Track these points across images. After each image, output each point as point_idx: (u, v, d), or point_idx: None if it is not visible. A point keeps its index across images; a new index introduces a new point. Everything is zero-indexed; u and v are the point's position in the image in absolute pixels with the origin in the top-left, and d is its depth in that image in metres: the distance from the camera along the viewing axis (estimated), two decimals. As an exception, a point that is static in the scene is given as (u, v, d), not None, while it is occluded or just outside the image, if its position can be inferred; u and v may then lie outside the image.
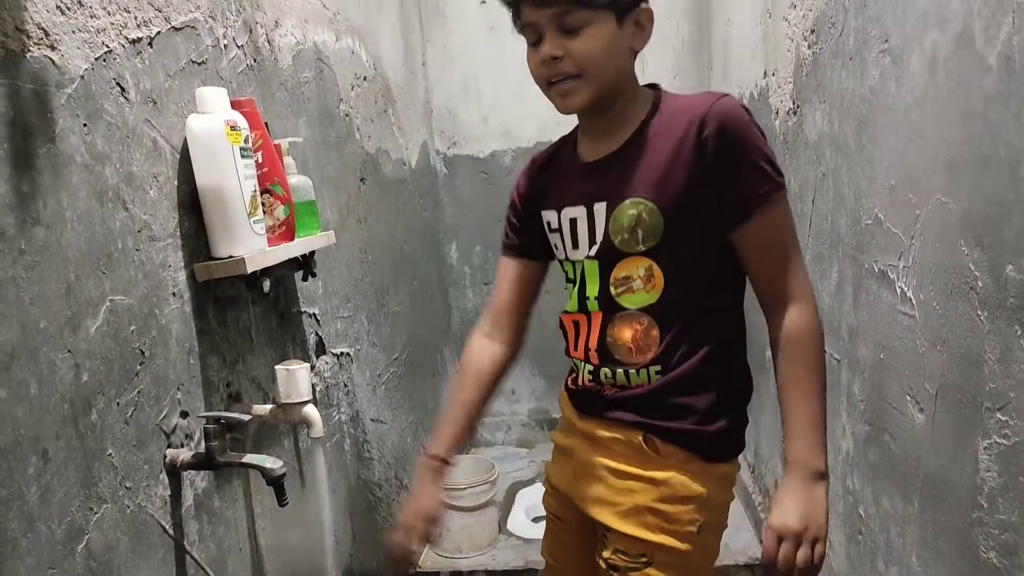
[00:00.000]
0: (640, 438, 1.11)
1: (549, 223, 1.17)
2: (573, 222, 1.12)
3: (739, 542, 2.18)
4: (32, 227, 0.80)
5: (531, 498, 2.66)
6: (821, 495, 1.01)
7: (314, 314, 1.59)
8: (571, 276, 1.18)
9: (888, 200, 1.12)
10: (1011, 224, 0.79)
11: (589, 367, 1.15)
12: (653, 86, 1.12)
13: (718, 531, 1.17)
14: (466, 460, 2.52)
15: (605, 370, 1.12)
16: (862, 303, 1.25)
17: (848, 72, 1.26)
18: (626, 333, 1.10)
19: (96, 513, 0.87)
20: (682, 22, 2.85)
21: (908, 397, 1.07)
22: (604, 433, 1.15)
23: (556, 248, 1.19)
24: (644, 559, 1.12)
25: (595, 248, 1.10)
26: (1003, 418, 0.82)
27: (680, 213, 1.03)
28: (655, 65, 2.79)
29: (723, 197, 1.01)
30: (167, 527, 1.01)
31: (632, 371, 1.10)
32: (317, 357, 1.61)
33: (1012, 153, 0.79)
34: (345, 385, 1.75)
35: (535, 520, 2.52)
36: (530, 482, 2.78)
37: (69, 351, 0.85)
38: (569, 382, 1.24)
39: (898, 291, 1.09)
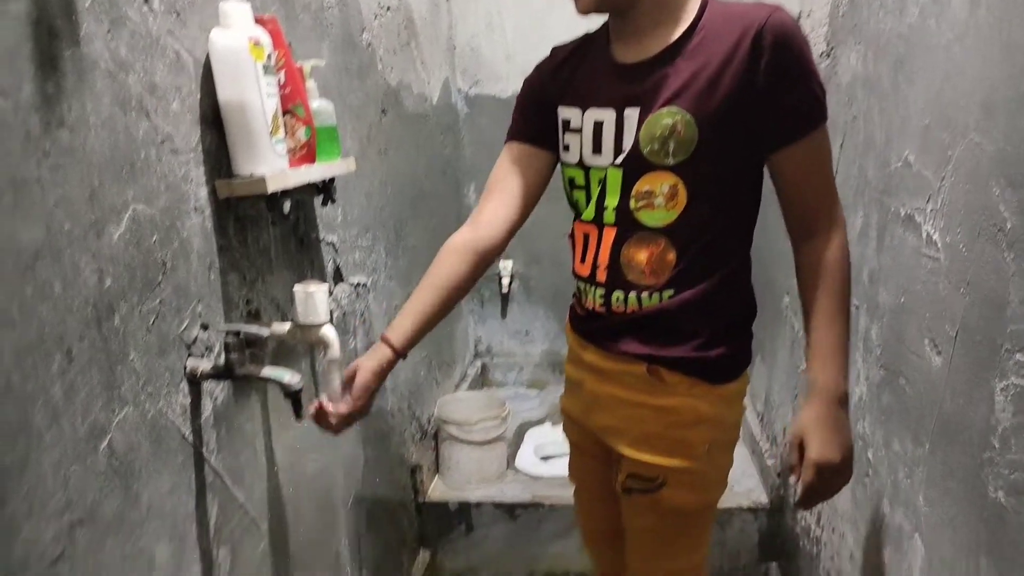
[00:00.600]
0: (645, 369, 1.11)
1: (567, 121, 1.13)
2: (598, 125, 1.09)
3: (744, 486, 2.21)
4: (56, 129, 0.80)
5: (540, 437, 2.70)
6: (847, 420, 1.04)
7: (332, 242, 1.60)
8: (580, 183, 1.15)
9: (920, 141, 1.09)
10: (1046, 162, 0.77)
11: (600, 290, 1.14)
12: None
13: (730, 446, 1.19)
14: (478, 396, 2.55)
15: (617, 294, 1.12)
16: (886, 248, 1.24)
17: (886, 11, 1.22)
18: (641, 255, 1.08)
19: (118, 414, 0.89)
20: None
21: (927, 340, 1.06)
22: (610, 365, 1.16)
23: (567, 150, 1.14)
24: (658, 481, 1.14)
25: (621, 156, 1.07)
26: (1022, 359, 0.82)
27: (717, 127, 1.00)
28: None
29: (772, 116, 0.99)
30: (186, 434, 1.04)
31: (644, 295, 1.10)
32: (335, 285, 1.62)
33: (1054, 88, 0.76)
34: (361, 314, 1.77)
35: (544, 458, 2.57)
36: (539, 422, 2.82)
37: (92, 255, 0.86)
38: (576, 308, 1.24)
39: (924, 234, 1.07)
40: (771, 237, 1.22)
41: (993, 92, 0.89)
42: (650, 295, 1.10)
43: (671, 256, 1.08)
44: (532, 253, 3.03)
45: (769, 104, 0.98)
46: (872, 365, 1.30)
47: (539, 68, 1.21)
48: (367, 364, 1.12)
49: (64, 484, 0.80)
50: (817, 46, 1.65)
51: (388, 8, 2.04)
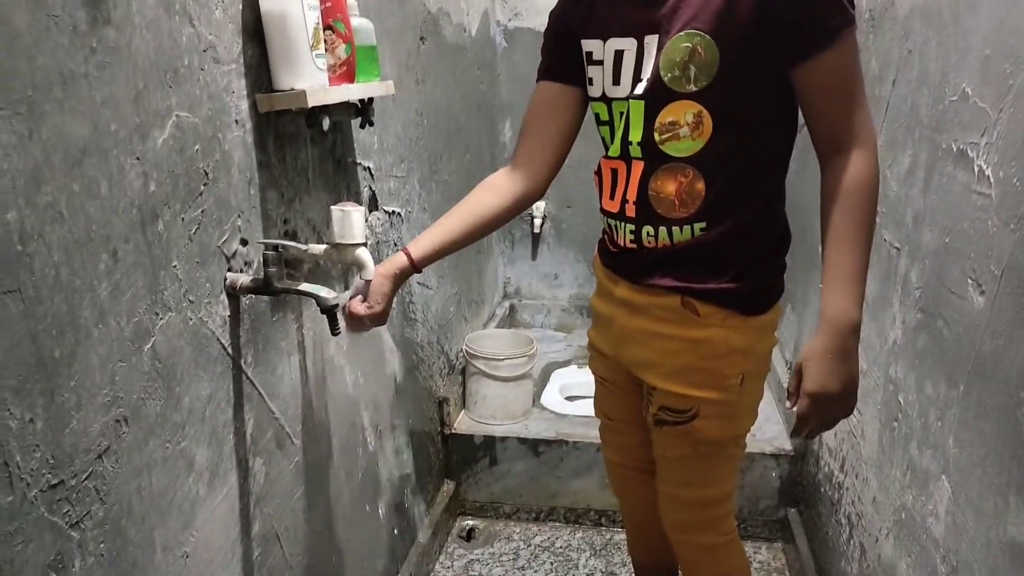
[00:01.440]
0: (679, 301, 1.11)
1: (590, 53, 1.11)
2: (619, 55, 1.07)
3: (767, 432, 2.21)
4: (103, 27, 0.80)
5: (566, 377, 2.73)
6: (855, 350, 1.02)
7: (368, 168, 1.60)
8: (604, 118, 1.13)
9: (979, 72, 1.05)
10: (1118, 86, 0.74)
11: (629, 226, 1.13)
12: None
13: (761, 376, 1.20)
14: (506, 334, 2.57)
15: (647, 228, 1.11)
16: (933, 187, 1.20)
17: (953, -65, 1.16)
18: (670, 186, 1.07)
19: (161, 319, 0.91)
20: None
21: (969, 280, 1.04)
22: (643, 299, 1.15)
23: (591, 83, 1.12)
24: (691, 412, 1.15)
25: (641, 86, 1.05)
26: (1073, 293, 0.80)
27: (739, 46, 0.98)
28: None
29: (792, 27, 0.96)
30: (226, 345, 1.06)
31: (676, 228, 1.08)
32: (370, 211, 1.62)
33: None
34: (395, 244, 1.78)
35: (568, 399, 2.59)
36: (566, 364, 2.84)
37: (138, 158, 0.86)
38: (608, 244, 1.23)
39: (975, 169, 1.04)
40: (809, 177, 1.19)
41: (1064, 17, 0.85)
42: (681, 228, 1.09)
43: (700, 186, 1.06)
44: (564, 196, 3.00)
45: (789, 14, 0.95)
46: (909, 309, 1.28)
47: (562, 1, 1.18)
48: (381, 269, 1.16)
49: (111, 380, 0.83)
50: (874, -21, 1.59)
51: (429, -68, 2.00)
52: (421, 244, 1.19)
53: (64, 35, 0.75)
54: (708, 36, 0.99)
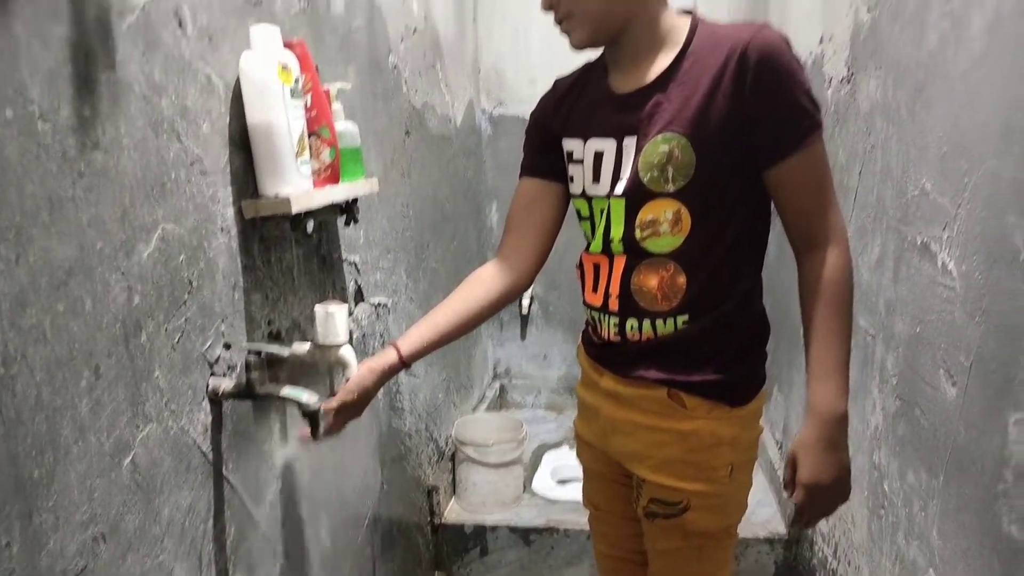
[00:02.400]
0: (665, 393, 1.12)
1: (571, 153, 1.15)
2: (599, 155, 1.11)
3: (761, 516, 2.19)
4: (92, 151, 0.83)
5: (557, 460, 2.70)
6: (843, 440, 1.03)
7: (354, 262, 1.63)
8: (585, 214, 1.17)
9: (937, 169, 1.10)
10: (1062, 193, 0.78)
11: (613, 319, 1.15)
12: (689, 12, 1.09)
13: (749, 466, 1.20)
14: (495, 418, 2.56)
15: (631, 321, 1.13)
16: (902, 277, 1.24)
17: (907, 37, 1.23)
18: (652, 281, 1.10)
19: (142, 431, 0.92)
20: (739, -16, 2.79)
21: (941, 370, 1.06)
22: (629, 391, 1.17)
23: (572, 181, 1.16)
24: (681, 505, 1.14)
25: (621, 185, 1.08)
26: (1038, 390, 0.81)
27: (714, 149, 1.02)
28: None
29: (762, 133, 1.00)
30: (206, 452, 1.06)
31: (659, 320, 1.10)
32: (355, 305, 1.64)
33: (1069, 120, 0.77)
34: (381, 335, 1.79)
35: (560, 482, 2.56)
36: (557, 445, 2.82)
37: (122, 273, 0.88)
38: (592, 336, 1.25)
39: (939, 263, 1.07)
40: (787, 263, 1.22)
41: (1011, 119, 0.89)
42: (664, 321, 1.11)
43: (681, 280, 1.09)
44: (552, 278, 3.04)
45: (760, 121, 0.99)
46: (888, 395, 1.29)
47: (543, 101, 1.23)
48: (370, 362, 1.15)
49: (89, 498, 0.83)
50: (838, 71, 1.66)
51: (415, 30, 2.09)
52: (410, 340, 1.19)
53: (53, 162, 0.78)
54: (684, 139, 1.03)
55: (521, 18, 2.86)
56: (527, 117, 1.27)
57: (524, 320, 3.15)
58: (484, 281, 1.24)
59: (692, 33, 1.05)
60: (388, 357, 1.17)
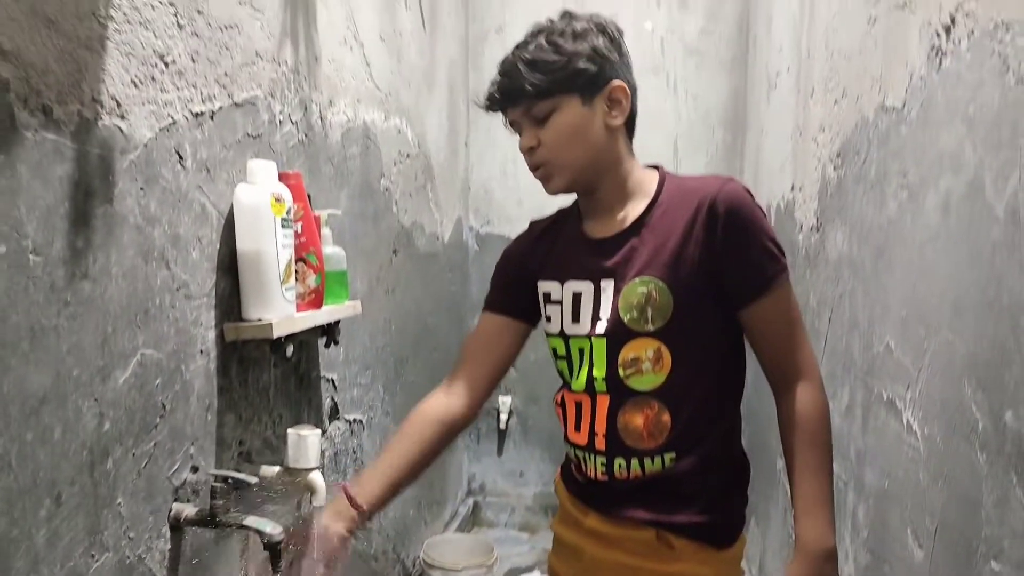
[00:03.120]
0: (654, 535, 1.11)
1: (548, 294, 1.18)
2: (577, 296, 1.14)
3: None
4: (80, 281, 0.86)
5: (528, 585, 2.61)
6: (834, 573, 1.02)
7: (332, 379, 1.63)
8: (562, 353, 1.19)
9: (899, 329, 1.14)
10: (1011, 372, 0.81)
11: (600, 458, 1.15)
12: (655, 167, 1.16)
13: None
14: (466, 539, 2.49)
15: (619, 460, 1.13)
16: (870, 428, 1.26)
17: (869, 200, 1.30)
18: (637, 419, 1.11)
19: (97, 561, 0.90)
20: (718, 128, 2.94)
21: (909, 529, 1.06)
22: (616, 531, 1.15)
23: (549, 320, 1.18)
24: None
25: (602, 325, 1.11)
26: (996, 567, 0.82)
27: (690, 292, 1.06)
28: (688, 168, 2.87)
29: (733, 277, 1.05)
30: (163, 581, 1.03)
31: (647, 459, 1.11)
32: (330, 422, 1.64)
33: (1015, 302, 0.81)
34: (354, 452, 1.77)
35: (530, 609, 2.47)
36: (528, 569, 2.73)
37: (95, 400, 0.89)
38: (575, 474, 1.24)
39: (904, 421, 1.10)
40: (764, 400, 1.24)
41: (963, 295, 0.94)
42: (652, 459, 1.11)
43: (666, 418, 1.10)
44: (531, 392, 3.04)
45: (729, 266, 1.05)
46: (860, 547, 1.28)
47: (518, 241, 1.27)
48: (337, 529, 1.09)
49: (33, 633, 0.80)
50: (808, 220, 1.74)
51: (408, 155, 2.17)
52: (368, 491, 1.12)
53: (40, 293, 0.80)
54: (661, 282, 1.07)
55: (511, 144, 2.97)
56: (511, 236, 1.30)
57: (501, 435, 3.12)
58: (435, 419, 1.20)
59: (661, 185, 1.12)
60: (351, 517, 1.10)
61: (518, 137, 1.15)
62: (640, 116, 1.14)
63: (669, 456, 1.11)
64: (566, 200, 1.21)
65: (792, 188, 1.92)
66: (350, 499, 1.11)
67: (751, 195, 1.08)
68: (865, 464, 1.27)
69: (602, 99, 1.08)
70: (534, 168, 1.13)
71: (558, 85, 1.05)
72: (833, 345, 1.48)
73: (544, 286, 1.20)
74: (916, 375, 1.06)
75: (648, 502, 1.12)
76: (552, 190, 1.14)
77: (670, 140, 2.94)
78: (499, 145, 2.99)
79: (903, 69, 1.14)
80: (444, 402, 1.23)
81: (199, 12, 1.08)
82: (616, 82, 1.09)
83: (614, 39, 1.11)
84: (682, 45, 2.92)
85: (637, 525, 1.13)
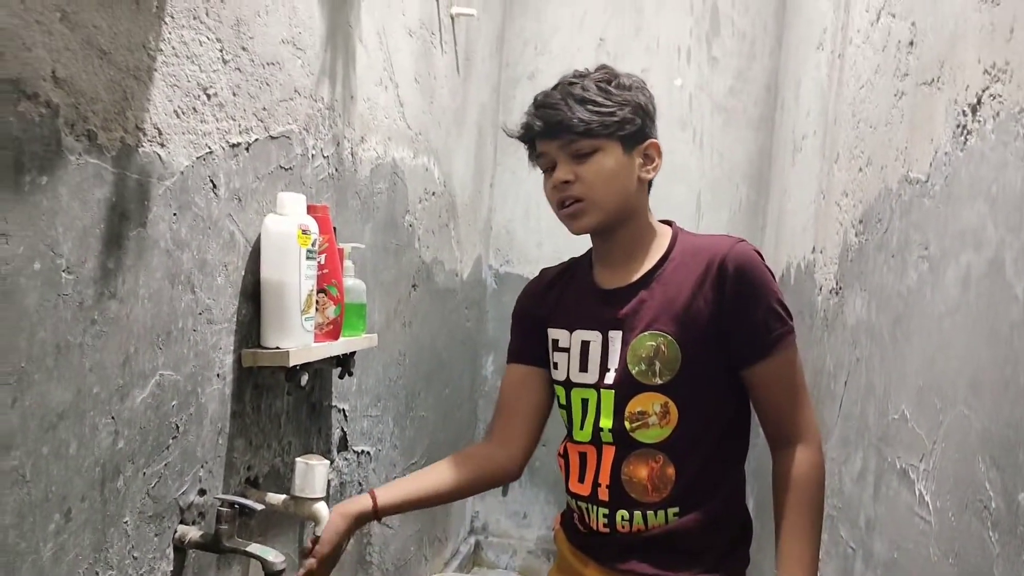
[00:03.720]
0: None
1: (556, 341, 1.19)
2: (585, 345, 1.15)
3: None
4: (108, 300, 0.88)
5: (524, 632, 2.57)
6: None
7: (344, 409, 1.64)
8: (563, 402, 1.19)
9: (915, 399, 1.13)
10: (1026, 452, 0.80)
11: (603, 510, 1.14)
12: (668, 223, 1.18)
13: None
14: (465, 580, 2.46)
15: (622, 512, 1.12)
16: (882, 496, 1.24)
17: (889, 268, 1.30)
18: (642, 471, 1.11)
19: (100, 578, 0.90)
20: (741, 185, 2.96)
21: (916, 606, 1.04)
22: None
23: (556, 368, 1.19)
24: None
25: (610, 376, 1.12)
26: (1005, 652, 0.80)
27: (698, 347, 1.07)
28: (711, 223, 2.89)
29: (740, 336, 1.07)
30: (162, 603, 1.03)
31: (650, 512, 1.11)
32: (338, 452, 1.64)
33: (1032, 383, 0.81)
34: (360, 484, 1.77)
35: (524, 657, 2.43)
36: (526, 615, 2.69)
37: (112, 417, 0.90)
38: (577, 525, 1.24)
39: (917, 493, 1.08)
40: (765, 460, 1.24)
41: (980, 372, 0.93)
42: (655, 513, 1.11)
43: (671, 471, 1.10)
44: (540, 434, 3.02)
45: (736, 325, 1.07)
46: (866, 618, 1.26)
47: (529, 288, 1.29)
48: (341, 508, 1.13)
49: (31, 647, 0.80)
50: (827, 282, 1.74)
51: (433, 193, 2.21)
52: (389, 492, 1.17)
53: (69, 310, 0.82)
54: (670, 337, 1.08)
55: (536, 186, 3.01)
56: (530, 276, 1.32)
57: (508, 476, 3.10)
58: (475, 457, 1.25)
59: (674, 240, 1.14)
60: (362, 503, 1.14)
61: (541, 173, 1.16)
62: (665, 169, 1.17)
63: (672, 511, 1.10)
64: (583, 245, 1.22)
65: (813, 250, 1.92)
66: (371, 493, 1.15)
67: (761, 257, 1.10)
68: (875, 532, 1.25)
69: (639, 153, 1.11)
70: (563, 204, 1.12)
71: (606, 128, 1.07)
72: (848, 409, 1.47)
73: (553, 333, 1.21)
74: (931, 447, 1.05)
75: (650, 557, 1.12)
76: (579, 228, 1.14)
77: (694, 194, 2.96)
78: (523, 186, 3.02)
79: (928, 144, 1.15)
80: (486, 450, 1.26)
81: (244, 49, 1.12)
82: (654, 140, 1.12)
83: (652, 100, 1.14)
84: (711, 102, 2.96)
85: None
